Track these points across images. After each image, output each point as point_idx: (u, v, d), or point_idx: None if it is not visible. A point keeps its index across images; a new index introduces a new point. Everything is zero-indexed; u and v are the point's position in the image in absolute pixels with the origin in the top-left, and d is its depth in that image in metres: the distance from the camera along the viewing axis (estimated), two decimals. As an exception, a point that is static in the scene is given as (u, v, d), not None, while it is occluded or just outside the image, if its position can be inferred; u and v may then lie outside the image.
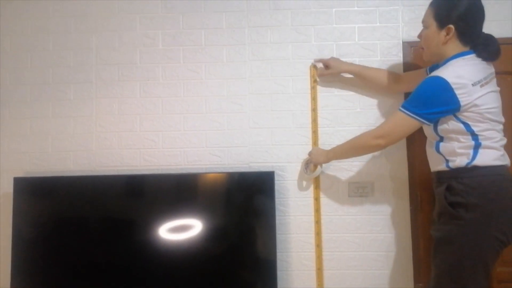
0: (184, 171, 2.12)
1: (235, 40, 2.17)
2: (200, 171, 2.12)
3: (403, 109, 1.59)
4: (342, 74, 2.08)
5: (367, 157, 2.08)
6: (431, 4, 1.66)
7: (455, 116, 1.53)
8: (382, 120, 2.08)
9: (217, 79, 2.16)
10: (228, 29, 2.17)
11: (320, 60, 2.09)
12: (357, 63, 2.11)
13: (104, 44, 2.20)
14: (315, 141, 2.09)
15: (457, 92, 1.48)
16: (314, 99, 2.12)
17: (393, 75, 2.00)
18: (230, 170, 2.10)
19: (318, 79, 2.11)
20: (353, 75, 2.06)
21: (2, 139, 2.18)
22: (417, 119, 1.56)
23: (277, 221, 2.00)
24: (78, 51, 2.21)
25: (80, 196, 2.04)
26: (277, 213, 2.02)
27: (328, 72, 2.06)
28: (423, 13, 1.69)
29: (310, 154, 2.01)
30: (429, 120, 1.57)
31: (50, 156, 2.17)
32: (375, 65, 2.10)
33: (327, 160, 1.95)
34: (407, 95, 1.85)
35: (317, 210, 2.07)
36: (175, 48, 2.18)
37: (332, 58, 2.07)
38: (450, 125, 1.55)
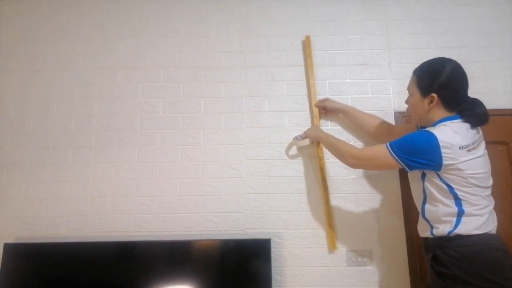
0: (178, 238, 2.07)
1: (233, 108, 2.25)
2: (195, 237, 2.08)
3: (388, 147, 1.63)
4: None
5: (364, 225, 2.08)
6: (414, 72, 1.72)
7: (438, 175, 1.55)
8: (377, 194, 2.11)
9: (215, 145, 2.20)
10: (227, 98, 2.26)
11: (316, 104, 2.20)
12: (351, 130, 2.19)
13: (106, 110, 2.26)
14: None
15: (443, 150, 1.50)
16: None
17: (384, 125, 2.06)
18: (226, 237, 2.06)
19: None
20: (344, 115, 2.18)
21: (-4, 203, 2.16)
22: (397, 160, 1.60)
23: (273, 291, 1.93)
24: (79, 117, 2.26)
25: (70, 263, 1.97)
26: (273, 282, 1.95)
27: (324, 112, 2.21)
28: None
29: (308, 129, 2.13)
30: (408, 166, 1.59)
31: (43, 221, 2.13)
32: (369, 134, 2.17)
33: (316, 139, 2.07)
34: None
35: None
36: (175, 115, 2.25)
37: (327, 99, 2.19)
38: (434, 183, 1.57)
